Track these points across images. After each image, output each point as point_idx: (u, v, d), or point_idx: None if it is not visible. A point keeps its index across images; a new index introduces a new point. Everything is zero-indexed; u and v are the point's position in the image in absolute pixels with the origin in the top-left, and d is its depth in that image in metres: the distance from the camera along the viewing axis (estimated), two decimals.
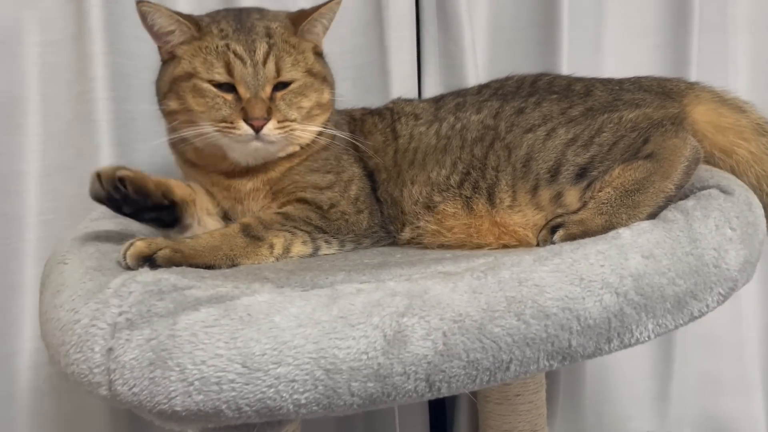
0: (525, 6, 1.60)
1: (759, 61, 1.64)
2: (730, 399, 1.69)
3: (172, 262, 0.88)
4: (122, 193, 0.96)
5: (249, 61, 1.02)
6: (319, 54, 1.13)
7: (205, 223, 1.09)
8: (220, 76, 1.02)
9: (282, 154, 1.09)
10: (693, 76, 1.55)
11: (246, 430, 0.75)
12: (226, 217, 1.12)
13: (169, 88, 1.06)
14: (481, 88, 1.22)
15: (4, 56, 1.39)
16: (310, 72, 1.07)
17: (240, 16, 1.08)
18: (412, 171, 1.13)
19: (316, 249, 1.04)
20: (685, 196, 0.95)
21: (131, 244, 0.89)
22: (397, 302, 0.73)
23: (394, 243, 1.14)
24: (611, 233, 0.85)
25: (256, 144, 1.03)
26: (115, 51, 1.42)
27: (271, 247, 0.99)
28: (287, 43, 1.06)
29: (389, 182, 1.15)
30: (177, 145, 1.12)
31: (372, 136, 1.19)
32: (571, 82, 1.15)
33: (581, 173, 0.99)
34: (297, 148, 1.10)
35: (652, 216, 0.92)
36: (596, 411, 1.68)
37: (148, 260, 0.88)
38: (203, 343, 0.68)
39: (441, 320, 0.72)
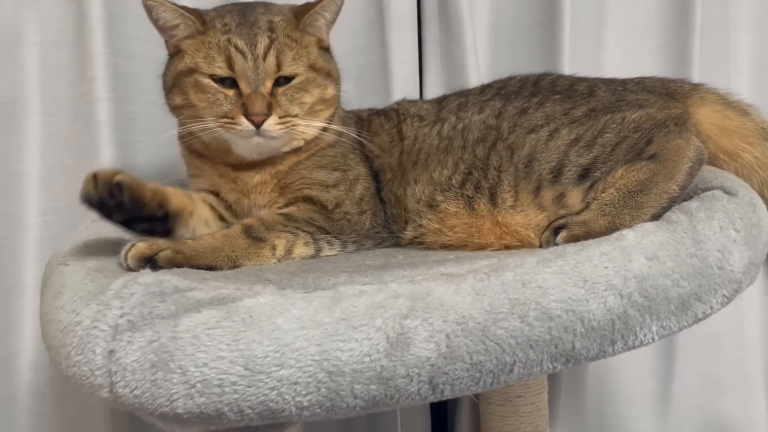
0: (526, 6, 1.59)
1: (761, 62, 1.64)
2: (732, 400, 1.69)
3: (173, 264, 0.88)
4: (116, 200, 0.91)
5: (250, 55, 1.02)
6: (324, 49, 1.12)
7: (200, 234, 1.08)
8: (221, 71, 1.02)
9: (286, 149, 1.09)
10: (695, 76, 1.55)
11: None
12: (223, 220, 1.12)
13: (173, 83, 1.06)
14: (483, 88, 1.22)
15: (4, 56, 1.39)
16: (312, 67, 1.07)
17: (245, 10, 1.07)
18: (415, 171, 1.12)
19: (319, 250, 1.04)
20: (689, 198, 0.95)
21: (132, 246, 0.89)
22: (399, 304, 0.73)
23: (397, 244, 1.14)
24: (615, 235, 0.85)
25: (257, 139, 1.03)
26: (116, 51, 1.42)
27: (273, 248, 0.99)
28: (289, 37, 1.05)
29: (394, 182, 1.15)
30: (184, 138, 1.11)
31: (378, 136, 1.19)
32: (574, 82, 1.15)
33: (584, 174, 0.99)
34: (302, 143, 1.09)
35: (656, 217, 0.91)
36: (598, 412, 1.68)
37: (150, 261, 0.87)
38: (205, 345, 0.68)
39: (444, 322, 0.72)
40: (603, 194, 0.95)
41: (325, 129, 1.10)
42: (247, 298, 0.73)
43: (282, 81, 1.04)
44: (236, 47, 1.02)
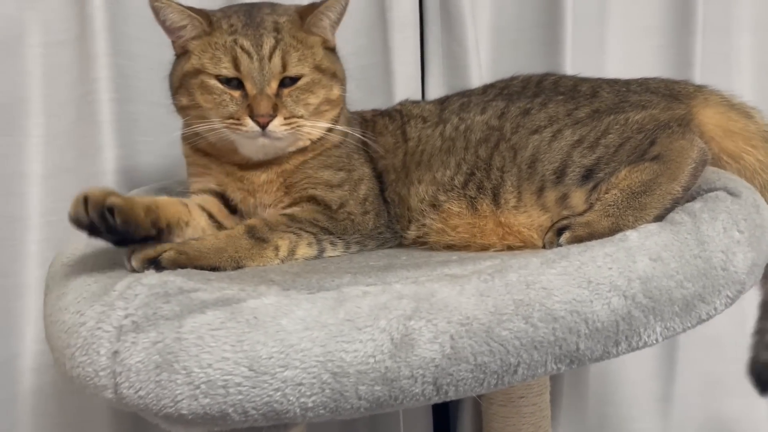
0: (528, 6, 1.60)
1: (762, 62, 1.64)
2: (734, 401, 1.69)
3: (177, 264, 0.88)
4: (108, 225, 0.85)
5: (255, 56, 1.02)
6: (330, 49, 1.12)
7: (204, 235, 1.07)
8: (228, 71, 1.02)
9: (292, 149, 1.09)
10: (696, 76, 1.55)
11: None
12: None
13: (180, 83, 1.07)
14: (486, 88, 1.22)
15: (7, 57, 1.39)
16: (318, 68, 1.07)
17: (251, 11, 1.08)
18: (418, 171, 1.13)
19: (321, 251, 1.04)
20: (692, 198, 0.95)
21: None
22: (404, 305, 0.73)
23: (400, 244, 1.14)
24: (618, 235, 0.85)
25: (263, 140, 1.04)
26: (118, 52, 1.42)
27: (276, 249, 0.99)
28: (295, 38, 1.05)
29: (397, 182, 1.15)
30: (190, 138, 1.11)
31: (383, 137, 1.20)
32: (577, 83, 1.15)
33: (587, 175, 0.99)
34: (307, 143, 1.10)
35: (659, 218, 0.91)
36: (599, 413, 1.68)
37: (153, 262, 0.87)
38: (210, 346, 0.68)
39: (448, 323, 0.72)
40: (606, 195, 0.95)
41: (330, 130, 1.11)
42: (251, 299, 0.73)
43: (288, 82, 1.04)
44: (242, 48, 1.02)
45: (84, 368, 0.70)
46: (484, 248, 1.04)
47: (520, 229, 1.02)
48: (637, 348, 0.79)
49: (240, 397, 0.67)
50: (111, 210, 0.85)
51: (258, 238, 0.98)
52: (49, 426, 1.45)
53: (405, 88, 1.53)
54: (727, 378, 1.67)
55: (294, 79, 1.05)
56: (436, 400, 0.73)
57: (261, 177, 1.09)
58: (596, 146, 1.00)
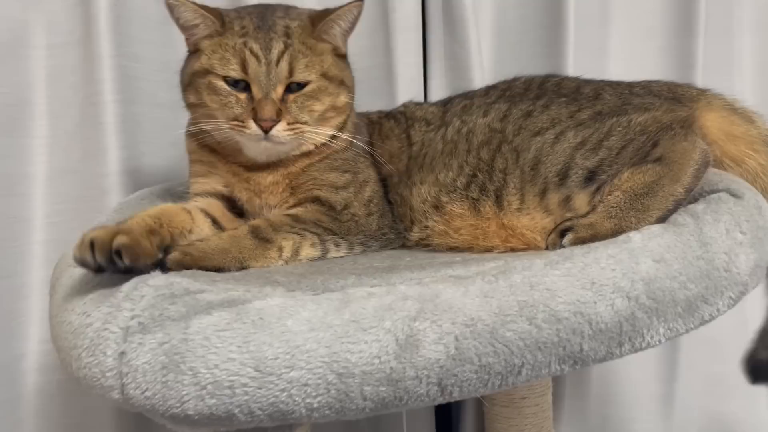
0: (530, 8, 1.60)
1: (764, 64, 1.64)
2: (735, 401, 1.69)
3: (182, 265, 0.88)
4: (117, 266, 0.82)
5: (263, 60, 1.02)
6: (340, 56, 1.12)
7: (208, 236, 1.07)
8: (235, 73, 1.03)
9: (295, 152, 1.10)
10: (698, 78, 1.55)
11: None
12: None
13: (189, 81, 1.08)
14: (488, 90, 1.22)
15: (11, 59, 1.39)
16: (325, 75, 1.07)
17: (265, 13, 1.08)
18: (421, 173, 1.13)
19: (326, 252, 1.04)
20: (695, 200, 0.95)
21: None
22: (408, 306, 0.73)
23: (403, 245, 1.14)
24: (621, 237, 0.85)
25: (265, 144, 1.04)
26: (122, 54, 1.42)
27: (280, 249, 0.99)
28: (304, 44, 1.06)
29: (400, 184, 1.15)
30: (197, 134, 1.12)
31: (389, 140, 1.20)
32: (579, 84, 1.15)
33: (590, 177, 0.99)
34: (311, 147, 1.10)
35: (662, 220, 0.91)
36: (601, 413, 1.68)
37: (159, 264, 0.87)
38: (216, 346, 0.68)
39: (453, 324, 0.72)
40: (609, 197, 0.96)
41: (334, 137, 1.11)
42: (256, 300, 0.73)
43: (294, 87, 1.05)
44: (251, 51, 1.03)
45: (91, 369, 0.71)
46: (487, 251, 1.04)
47: (523, 232, 1.03)
48: (641, 349, 0.79)
49: (246, 397, 0.67)
50: (119, 252, 0.81)
51: (262, 238, 0.98)
52: (53, 426, 1.45)
53: (407, 89, 1.54)
54: (728, 379, 1.67)
55: (301, 85, 1.05)
56: (440, 400, 0.73)
57: (267, 178, 1.10)
58: (599, 148, 1.01)
